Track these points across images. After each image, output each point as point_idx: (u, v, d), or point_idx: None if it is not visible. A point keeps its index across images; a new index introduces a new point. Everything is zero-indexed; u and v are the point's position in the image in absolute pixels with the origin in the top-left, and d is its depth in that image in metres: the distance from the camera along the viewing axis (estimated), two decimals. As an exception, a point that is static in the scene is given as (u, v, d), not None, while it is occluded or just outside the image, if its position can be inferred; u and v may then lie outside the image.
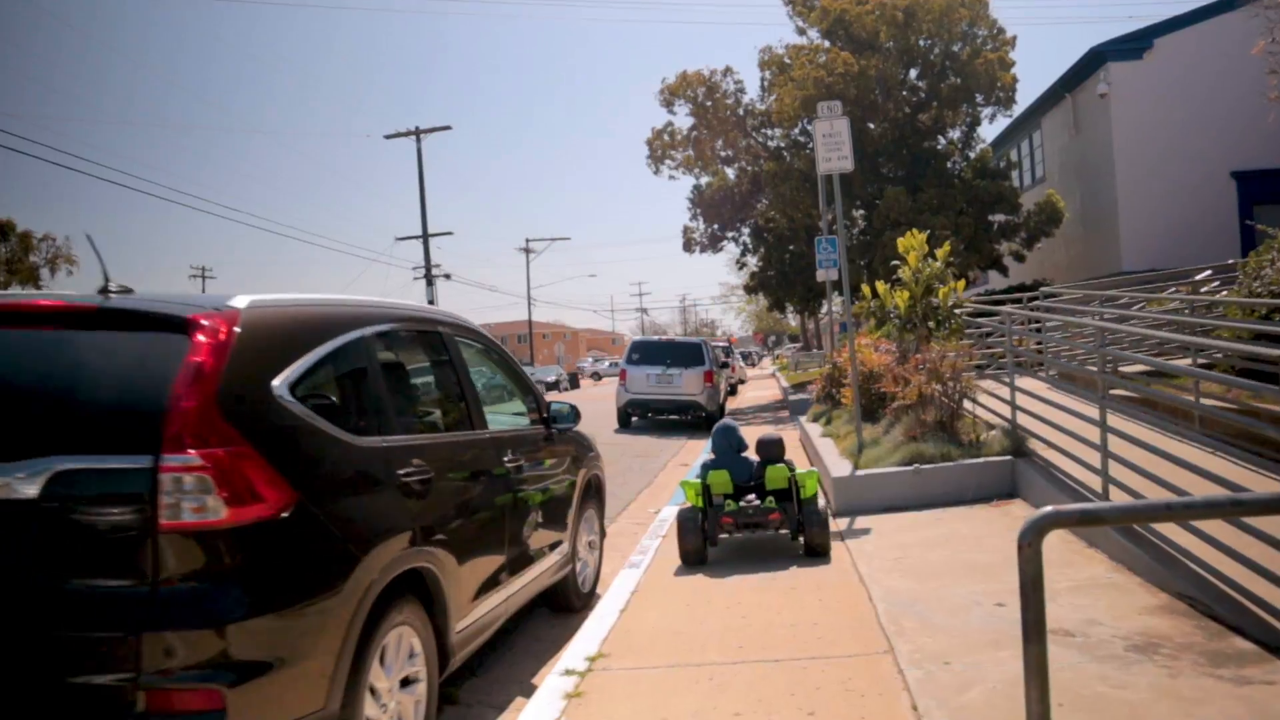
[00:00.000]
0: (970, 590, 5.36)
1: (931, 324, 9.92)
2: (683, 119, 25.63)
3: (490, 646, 5.59)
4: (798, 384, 29.98)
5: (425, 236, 47.09)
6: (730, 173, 26.31)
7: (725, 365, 27.51)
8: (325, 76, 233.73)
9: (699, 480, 7.09)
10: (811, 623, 5.08)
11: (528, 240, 69.03)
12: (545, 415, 5.83)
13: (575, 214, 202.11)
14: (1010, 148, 29.55)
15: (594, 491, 6.67)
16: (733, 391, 33.52)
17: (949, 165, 24.51)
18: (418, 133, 46.90)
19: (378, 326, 4.03)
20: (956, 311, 9.89)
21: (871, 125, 23.95)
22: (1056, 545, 6.21)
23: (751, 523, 6.72)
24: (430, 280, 46.62)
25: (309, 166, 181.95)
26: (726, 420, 7.95)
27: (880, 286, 10.28)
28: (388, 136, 47.54)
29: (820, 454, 10.01)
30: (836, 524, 7.76)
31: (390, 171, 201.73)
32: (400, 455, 3.81)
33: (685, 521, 6.77)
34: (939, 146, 25.31)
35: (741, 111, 25.17)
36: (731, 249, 29.12)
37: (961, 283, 10.11)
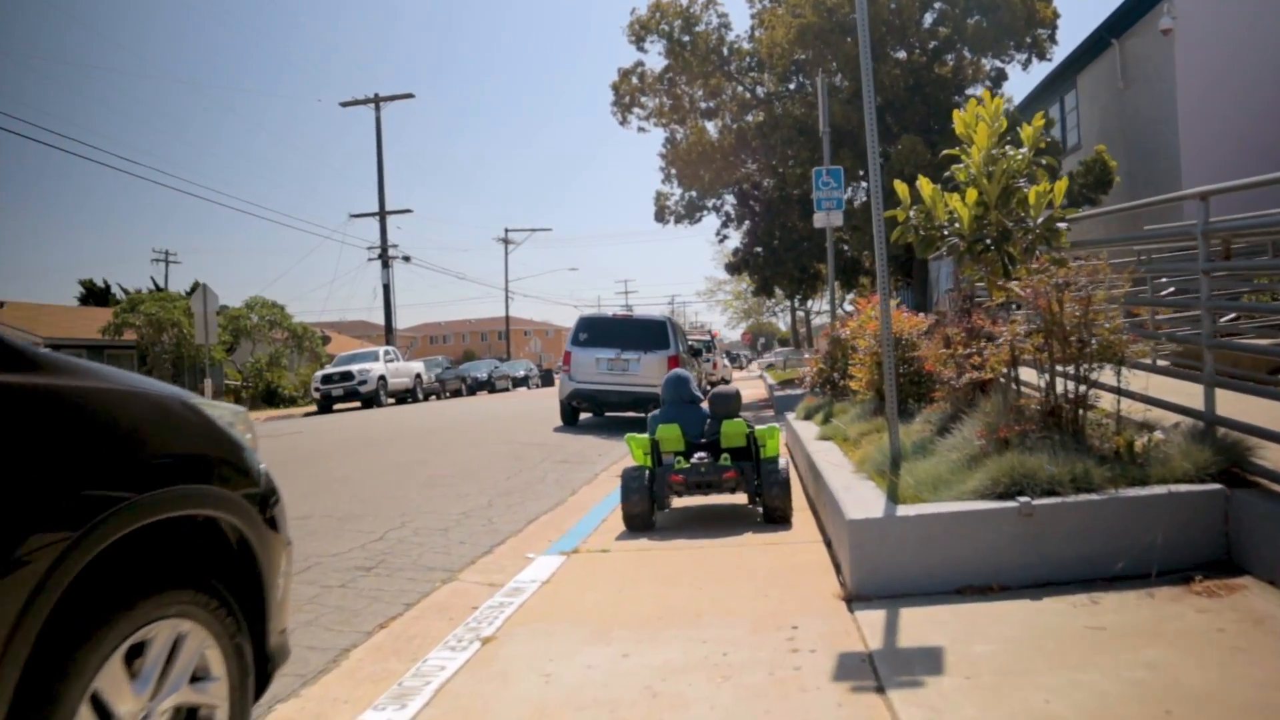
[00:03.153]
0: None
1: (1011, 248, 5.75)
2: (655, 58, 21.48)
3: None
4: (785, 380, 25.81)
5: (382, 214, 42.99)
6: (711, 128, 22.11)
7: (699, 354, 23.38)
8: (272, 34, 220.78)
9: (647, 436, 6.34)
10: None
11: (506, 230, 64.90)
12: None
13: (556, 205, 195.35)
14: (1037, 112, 25.39)
15: (225, 555, 2.43)
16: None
17: (973, 121, 20.27)
18: (377, 100, 42.97)
19: None
20: (1060, 227, 5.69)
21: (885, 81, 19.74)
22: None
23: (704, 482, 6.04)
24: (386, 261, 42.46)
25: (252, 130, 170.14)
26: (678, 370, 6.99)
27: (925, 186, 6.08)
28: (344, 104, 43.67)
29: (819, 469, 5.79)
30: (862, 626, 3.54)
31: (348, 144, 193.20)
32: None
33: (631, 482, 6.01)
34: (958, 107, 21.07)
35: (726, 51, 20.98)
36: (712, 221, 24.88)
37: (1063, 182, 5.91)
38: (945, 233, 5.94)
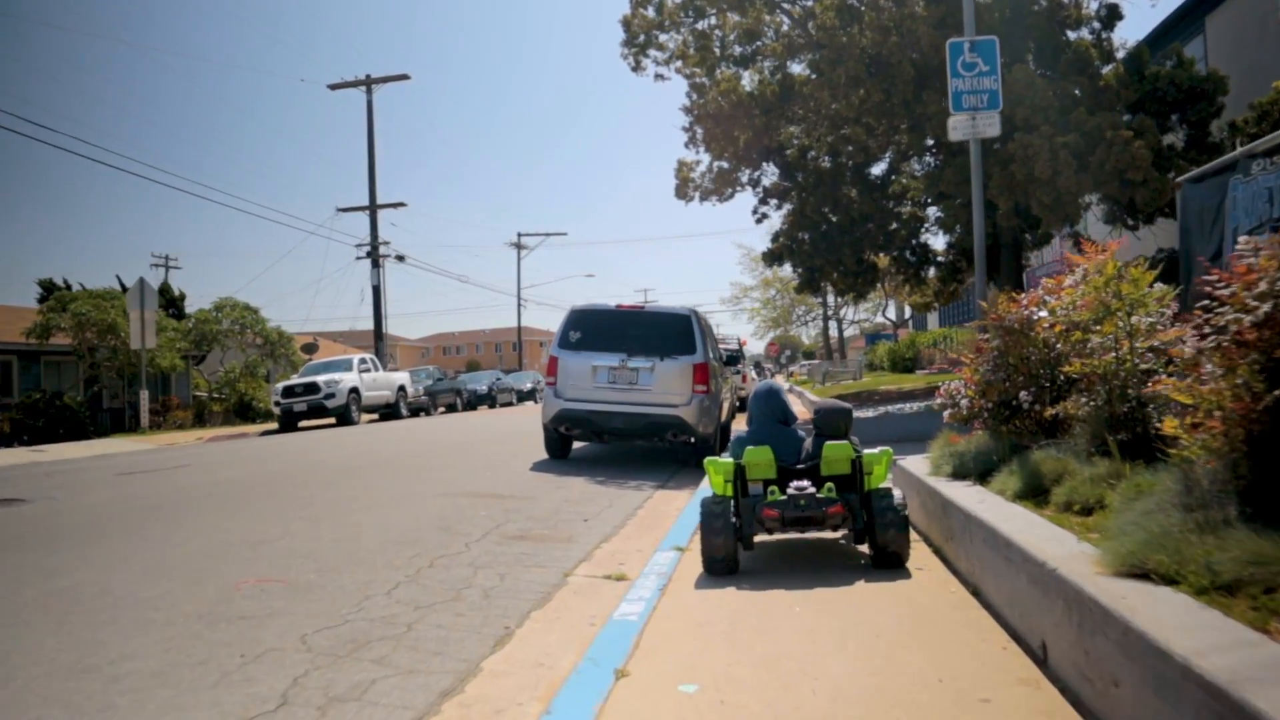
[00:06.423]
0: None
1: None
2: (678, -16, 16.83)
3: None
4: (834, 398, 21.06)
5: (373, 207, 38.73)
6: (746, 79, 17.43)
7: (735, 363, 18.72)
8: (252, 5, 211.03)
9: (730, 461, 5.21)
10: None
11: (519, 235, 60.46)
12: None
13: (569, 202, 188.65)
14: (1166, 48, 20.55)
15: None
16: (742, 406, 24.58)
17: (1092, 65, 15.58)
18: (368, 81, 38.82)
19: None
20: None
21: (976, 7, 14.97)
22: None
23: (804, 518, 4.89)
24: (376, 260, 38.06)
25: (230, 113, 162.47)
26: (769, 382, 6.07)
27: None
28: (332, 86, 39.44)
29: None
30: None
31: (337, 133, 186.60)
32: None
33: (711, 516, 4.89)
34: (1065, 49, 16.35)
35: (768, -25, 16.34)
36: (747, 200, 20.13)
37: None
38: None
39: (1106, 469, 4.15)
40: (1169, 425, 3.13)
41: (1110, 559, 2.78)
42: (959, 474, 5.28)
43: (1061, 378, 5.03)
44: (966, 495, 4.62)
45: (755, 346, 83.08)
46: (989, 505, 4.24)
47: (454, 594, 4.96)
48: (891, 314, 56.50)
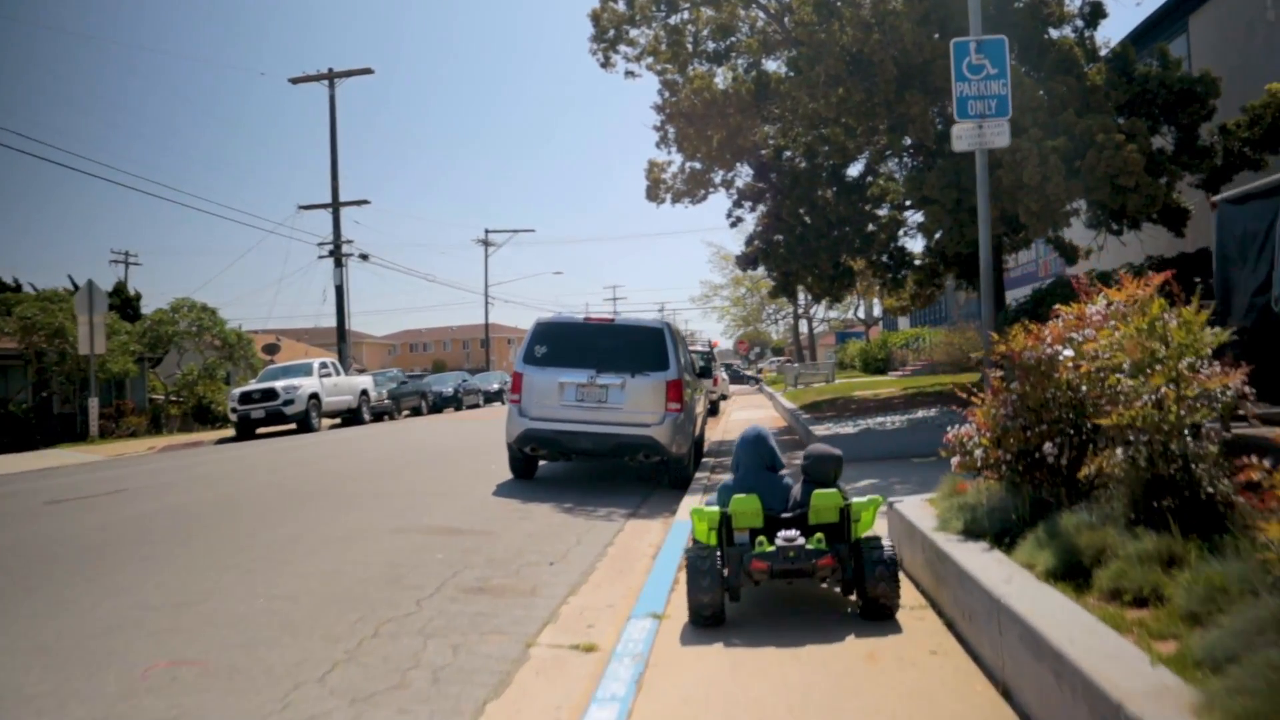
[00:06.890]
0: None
1: None
2: (650, -24, 16.11)
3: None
4: (810, 406, 20.54)
5: (335, 205, 37.81)
6: (720, 77, 16.78)
7: (707, 373, 18.10)
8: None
9: (716, 509, 4.99)
10: None
11: (486, 231, 59.51)
12: None
13: (539, 202, 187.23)
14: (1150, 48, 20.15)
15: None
16: (713, 410, 24.00)
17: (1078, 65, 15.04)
18: (330, 76, 37.90)
19: None
20: None
21: (957, 7, 14.42)
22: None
23: (793, 570, 4.66)
24: (339, 259, 37.13)
25: (186, 107, 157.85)
26: (757, 428, 5.54)
27: None
28: (294, 80, 38.48)
29: None
30: None
31: (304, 132, 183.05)
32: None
33: (698, 571, 4.67)
34: (1049, 48, 15.83)
35: (744, -33, 15.69)
36: (721, 201, 19.43)
37: None
38: None
39: (1154, 545, 3.57)
40: (1274, 530, 2.51)
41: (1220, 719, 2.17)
42: (972, 532, 4.67)
43: (1089, 425, 4.45)
44: (987, 567, 4.01)
45: (725, 344, 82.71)
46: (1019, 588, 3.63)
47: (399, 677, 4.30)
48: (862, 313, 56.19)
